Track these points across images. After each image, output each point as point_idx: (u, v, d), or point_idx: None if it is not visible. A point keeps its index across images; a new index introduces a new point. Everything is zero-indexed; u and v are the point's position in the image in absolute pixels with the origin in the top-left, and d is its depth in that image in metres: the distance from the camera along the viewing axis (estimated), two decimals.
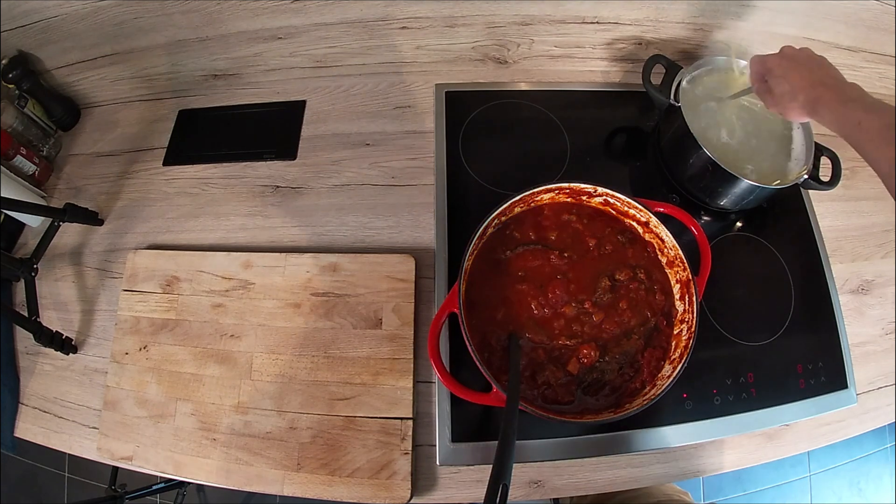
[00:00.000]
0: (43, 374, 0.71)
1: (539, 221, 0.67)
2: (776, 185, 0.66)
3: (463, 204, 0.74)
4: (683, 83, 0.70)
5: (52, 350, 0.69)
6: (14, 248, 0.79)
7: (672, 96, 0.71)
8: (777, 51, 0.60)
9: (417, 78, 0.87)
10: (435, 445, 0.62)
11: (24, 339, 0.73)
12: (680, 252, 0.61)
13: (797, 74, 0.56)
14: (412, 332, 0.66)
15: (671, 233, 0.62)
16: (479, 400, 0.54)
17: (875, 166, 0.48)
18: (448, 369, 0.60)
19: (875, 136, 0.47)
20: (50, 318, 0.73)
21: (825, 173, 0.69)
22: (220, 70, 0.88)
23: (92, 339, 0.72)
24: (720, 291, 0.68)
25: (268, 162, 0.81)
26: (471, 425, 0.62)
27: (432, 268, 0.70)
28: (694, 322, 0.58)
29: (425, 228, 0.74)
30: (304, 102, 0.86)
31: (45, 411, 0.69)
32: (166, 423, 0.64)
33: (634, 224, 0.67)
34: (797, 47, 0.59)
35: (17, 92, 0.80)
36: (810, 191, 0.77)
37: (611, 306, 0.62)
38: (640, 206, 0.63)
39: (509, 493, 0.44)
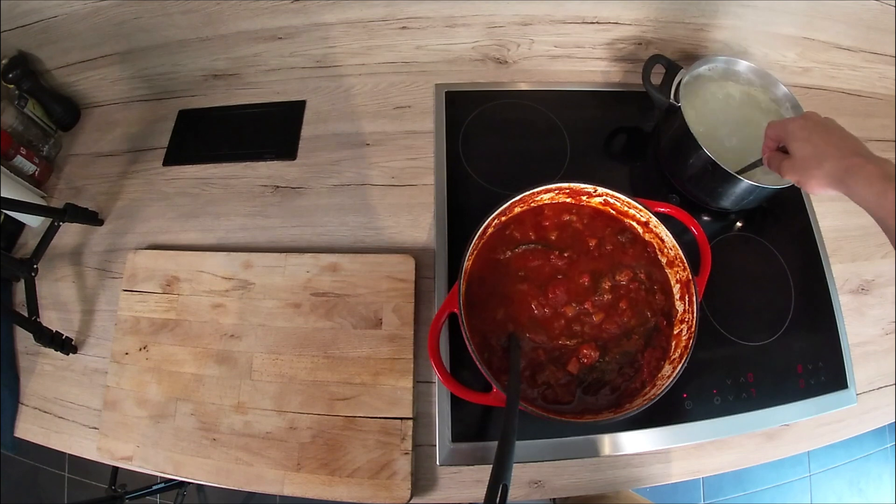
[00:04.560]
0: (43, 374, 0.71)
1: (539, 221, 0.67)
2: (776, 185, 0.66)
3: (463, 204, 0.74)
4: (683, 83, 0.70)
5: (52, 350, 0.69)
6: (14, 248, 0.79)
7: (672, 96, 0.70)
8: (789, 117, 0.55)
9: (417, 78, 0.87)
10: (435, 445, 0.62)
11: (24, 339, 0.73)
12: (680, 252, 0.61)
13: (824, 140, 0.51)
14: (412, 332, 0.66)
15: (671, 233, 0.62)
16: (479, 400, 0.54)
17: None
18: (448, 369, 0.60)
19: None
20: (50, 318, 0.73)
21: None
22: (220, 70, 0.88)
23: (92, 339, 0.72)
24: (720, 291, 0.68)
25: (268, 162, 0.81)
26: (471, 425, 0.62)
27: (432, 268, 0.70)
28: (694, 322, 0.58)
29: (425, 228, 0.74)
30: (304, 102, 0.86)
31: (45, 411, 0.69)
32: (166, 423, 0.64)
33: (634, 224, 0.67)
34: (822, 115, 0.54)
35: (17, 92, 0.80)
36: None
37: (611, 306, 0.62)
38: (640, 206, 0.63)
39: (509, 493, 0.44)
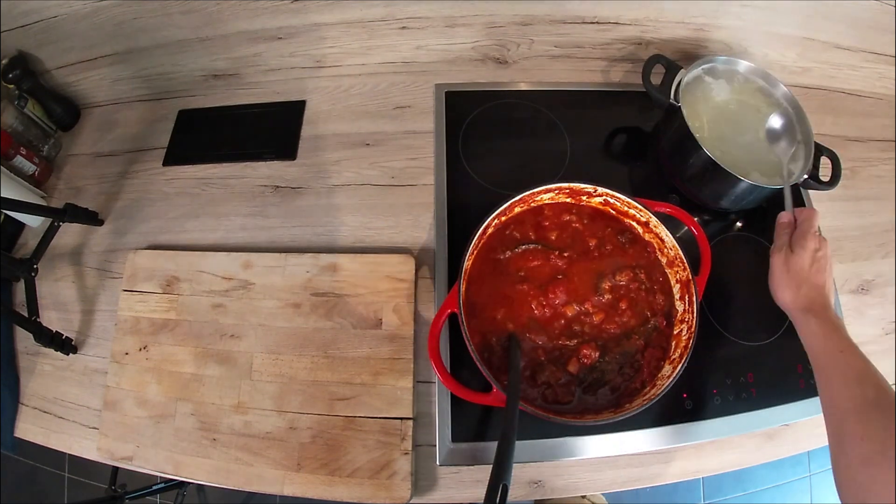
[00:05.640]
0: (43, 374, 0.71)
1: (539, 221, 0.67)
2: (776, 185, 0.66)
3: (463, 204, 0.74)
4: (683, 83, 0.70)
5: (52, 350, 0.69)
6: (14, 248, 0.79)
7: (672, 96, 0.70)
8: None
9: (417, 78, 0.87)
10: (435, 445, 0.61)
11: (24, 339, 0.73)
12: (680, 252, 0.61)
13: (819, 273, 0.56)
14: (412, 332, 0.66)
15: (671, 233, 0.62)
16: (479, 400, 0.54)
17: (828, 398, 0.50)
18: (448, 369, 0.60)
19: (850, 371, 0.50)
20: (50, 318, 0.73)
21: (825, 173, 0.69)
22: (220, 70, 0.88)
23: (92, 339, 0.72)
24: (720, 291, 0.68)
25: (268, 162, 0.81)
26: (471, 425, 0.61)
27: (432, 268, 0.70)
28: (694, 322, 0.58)
29: (425, 228, 0.74)
30: (304, 102, 0.86)
31: (45, 411, 0.69)
32: (166, 423, 0.64)
33: (634, 224, 0.67)
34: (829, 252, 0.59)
35: (17, 92, 0.80)
36: (810, 191, 0.77)
37: (611, 306, 0.62)
38: (640, 206, 0.63)
39: (509, 493, 0.44)
